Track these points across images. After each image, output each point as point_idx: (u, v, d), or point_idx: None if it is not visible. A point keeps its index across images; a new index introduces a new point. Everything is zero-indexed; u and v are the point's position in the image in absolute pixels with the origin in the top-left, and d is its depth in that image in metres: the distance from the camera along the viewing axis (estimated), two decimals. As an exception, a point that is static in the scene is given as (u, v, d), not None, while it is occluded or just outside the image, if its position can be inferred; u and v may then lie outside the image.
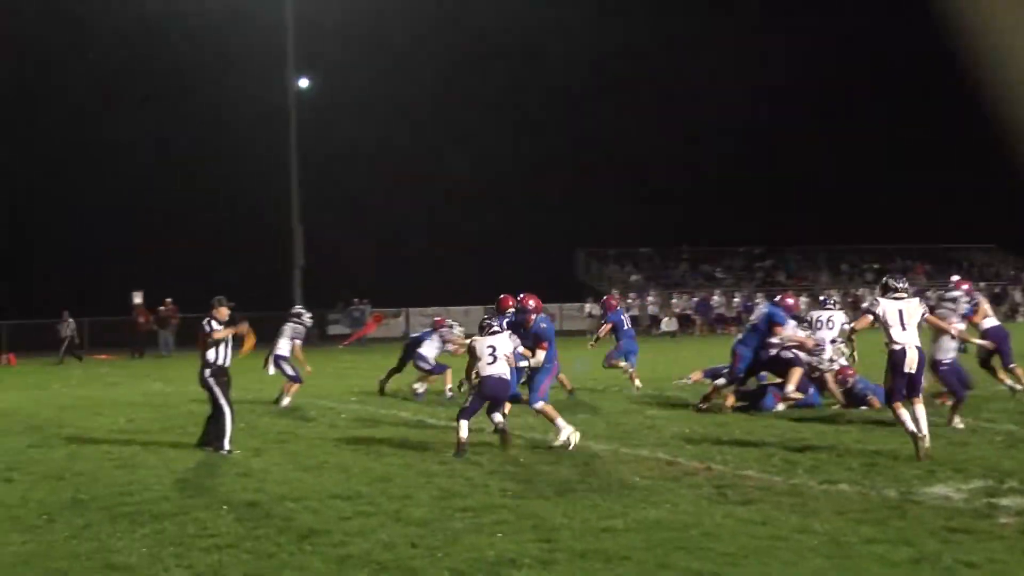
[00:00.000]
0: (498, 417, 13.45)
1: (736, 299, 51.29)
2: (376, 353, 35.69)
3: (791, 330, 16.66)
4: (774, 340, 16.51)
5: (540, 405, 13.65)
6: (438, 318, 21.82)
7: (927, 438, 11.62)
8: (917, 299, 12.96)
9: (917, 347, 12.04)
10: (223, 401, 13.88)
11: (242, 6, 48.84)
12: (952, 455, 11.78)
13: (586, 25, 59.95)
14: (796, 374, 16.13)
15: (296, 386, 19.38)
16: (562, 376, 19.01)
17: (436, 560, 7.87)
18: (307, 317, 20.58)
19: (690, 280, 58.10)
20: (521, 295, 14.85)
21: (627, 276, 57.27)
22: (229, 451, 13.50)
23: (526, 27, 56.62)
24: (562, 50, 59.84)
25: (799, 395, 16.14)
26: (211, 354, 14.01)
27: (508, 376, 13.57)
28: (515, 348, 13.82)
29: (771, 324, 16.60)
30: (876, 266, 60.74)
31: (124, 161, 54.77)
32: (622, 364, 20.70)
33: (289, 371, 19.37)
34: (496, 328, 13.77)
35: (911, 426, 11.68)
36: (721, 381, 17.08)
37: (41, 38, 53.10)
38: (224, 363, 14.14)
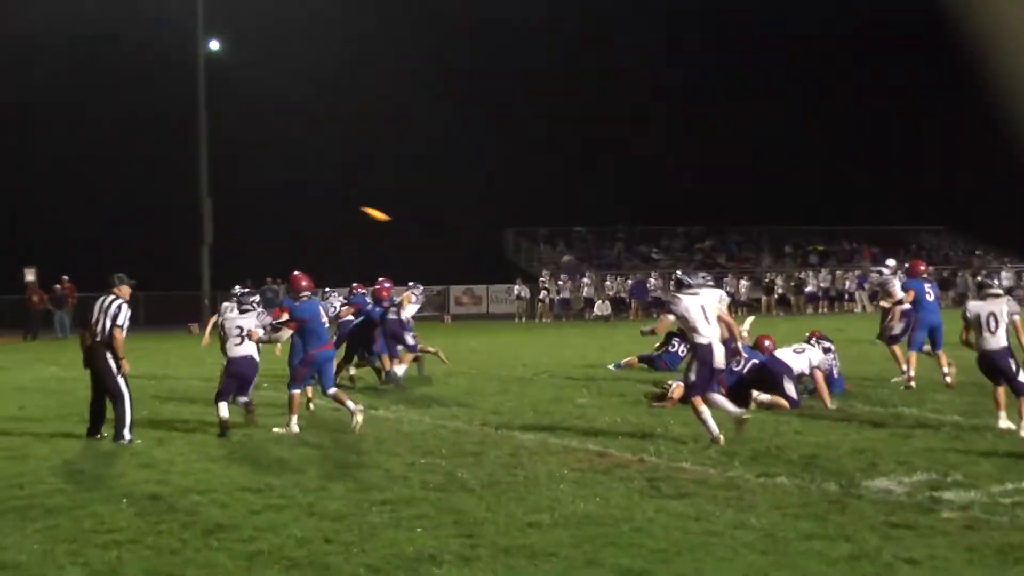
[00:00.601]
0: (244, 399, 14.53)
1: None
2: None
3: None
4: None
5: (292, 392, 14.25)
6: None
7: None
8: (718, 291, 13.71)
9: (721, 342, 12.86)
10: (124, 387, 13.78)
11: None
12: (895, 447, 11.98)
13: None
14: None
15: None
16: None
17: (352, 556, 7.89)
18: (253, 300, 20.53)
19: (625, 261, 58.24)
20: (295, 273, 15.20)
21: (559, 257, 57.34)
22: (130, 440, 13.42)
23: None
24: (493, 18, 59.78)
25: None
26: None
27: (255, 355, 14.99)
28: (264, 325, 15.19)
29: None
30: (821, 248, 61.37)
31: (18, 121, 54.02)
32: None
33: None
34: (247, 307, 15.00)
35: (712, 426, 12.47)
36: None
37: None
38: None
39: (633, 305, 50.19)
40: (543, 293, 50.81)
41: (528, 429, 13.91)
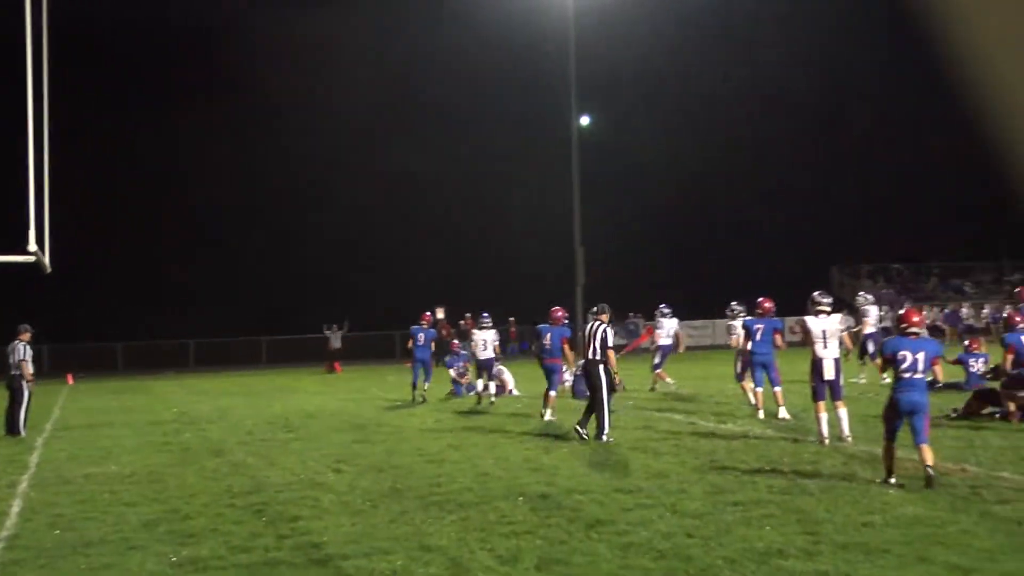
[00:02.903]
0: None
1: (985, 311, 48.54)
2: (648, 362, 35.56)
3: None
4: None
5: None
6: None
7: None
8: (839, 315, 13.76)
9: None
10: (607, 398, 14.47)
11: (529, 63, 51.05)
12: None
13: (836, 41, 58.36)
14: None
15: None
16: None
17: (710, 549, 7.79)
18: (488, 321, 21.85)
19: (940, 294, 55.47)
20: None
21: (879, 290, 55.19)
22: (610, 440, 14.09)
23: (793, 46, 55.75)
24: (817, 77, 58.43)
25: None
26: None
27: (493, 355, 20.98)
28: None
29: None
30: None
31: (428, 192, 57.40)
32: None
33: None
34: (485, 325, 21.36)
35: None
36: None
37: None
38: None
39: (947, 331, 47.71)
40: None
41: (858, 440, 13.36)
